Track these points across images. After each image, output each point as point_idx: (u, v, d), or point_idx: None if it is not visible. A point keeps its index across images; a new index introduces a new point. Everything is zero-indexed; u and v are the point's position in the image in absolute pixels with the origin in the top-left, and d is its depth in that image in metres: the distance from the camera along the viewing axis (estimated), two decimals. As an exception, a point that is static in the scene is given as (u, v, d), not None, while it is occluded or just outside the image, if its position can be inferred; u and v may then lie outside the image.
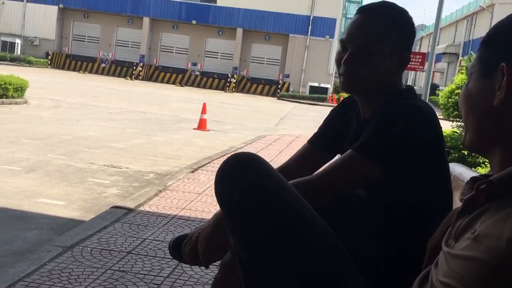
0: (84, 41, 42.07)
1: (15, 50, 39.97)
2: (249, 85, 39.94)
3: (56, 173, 6.59)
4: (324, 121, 2.08)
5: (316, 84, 36.48)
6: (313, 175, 1.74)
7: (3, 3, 41.39)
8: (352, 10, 54.02)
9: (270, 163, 1.57)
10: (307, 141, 2.08)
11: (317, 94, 35.14)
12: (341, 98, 2.27)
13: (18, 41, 40.61)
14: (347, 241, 1.55)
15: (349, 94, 1.95)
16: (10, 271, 3.03)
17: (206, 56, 41.12)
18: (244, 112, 21.77)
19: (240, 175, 1.50)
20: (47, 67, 39.03)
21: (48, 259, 3.26)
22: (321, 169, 1.80)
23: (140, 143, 10.14)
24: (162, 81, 39.94)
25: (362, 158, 1.64)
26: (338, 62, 1.82)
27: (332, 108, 2.15)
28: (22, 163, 6.99)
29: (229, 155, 1.65)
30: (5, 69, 26.13)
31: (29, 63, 37.47)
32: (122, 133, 11.52)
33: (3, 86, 14.30)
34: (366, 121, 1.80)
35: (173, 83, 39.49)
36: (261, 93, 39.34)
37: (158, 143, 10.41)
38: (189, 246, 1.72)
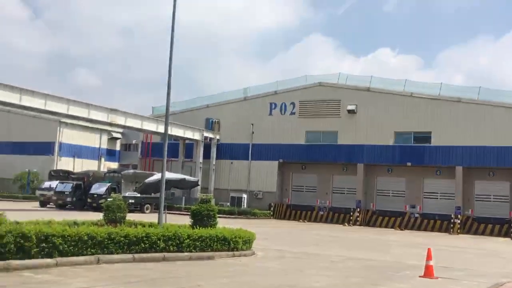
0: (303, 191, 44.30)
1: (242, 204, 43.70)
2: (476, 225, 36.97)
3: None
4: None
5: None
6: None
7: (232, 163, 46.45)
8: None
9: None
10: None
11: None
12: None
13: (244, 195, 44.53)
14: None
15: None
16: None
17: (424, 198, 39.76)
18: (474, 256, 19.89)
19: None
20: (270, 218, 41.51)
21: None
22: None
23: (365, 294, 9.74)
24: (380, 226, 39.28)
25: None
26: None
27: None
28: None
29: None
30: (234, 222, 28.39)
31: (254, 215, 40.38)
32: (345, 282, 11.27)
33: (234, 240, 15.36)
34: None
35: (392, 227, 38.51)
36: (491, 233, 35.95)
37: (384, 294, 9.88)
38: None
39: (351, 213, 39.95)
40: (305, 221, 40.87)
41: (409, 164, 39.84)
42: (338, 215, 41.04)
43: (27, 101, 30.83)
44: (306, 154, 43.63)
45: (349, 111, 41.90)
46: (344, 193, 42.64)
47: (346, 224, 39.26)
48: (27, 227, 10.81)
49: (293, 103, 44.47)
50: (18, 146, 53.95)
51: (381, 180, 41.64)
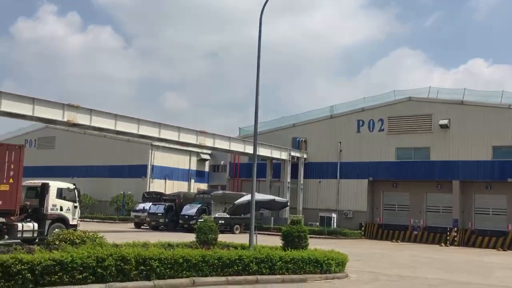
0: (395, 210, 42.88)
1: (332, 224, 42.94)
2: None
3: None
4: None
5: None
6: None
7: (320, 182, 45.97)
8: None
9: None
10: None
11: None
12: None
13: (333, 215, 43.78)
14: None
15: None
16: None
17: (529, 215, 37.13)
18: None
19: None
20: (361, 238, 40.44)
21: None
22: None
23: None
24: (480, 246, 36.99)
25: None
26: None
27: None
28: None
29: None
30: (324, 243, 27.94)
31: (344, 235, 39.51)
32: (450, 309, 10.59)
33: (326, 262, 15.04)
34: None
35: (493, 247, 36.14)
36: None
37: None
38: None
39: (448, 233, 37.97)
40: (399, 241, 39.40)
41: (510, 180, 37.43)
42: (434, 235, 39.19)
43: (122, 126, 32.30)
44: (396, 172, 42.26)
45: (442, 126, 40.22)
46: (439, 211, 40.75)
47: (442, 244, 37.38)
48: (126, 250, 11.17)
49: (381, 120, 43.45)
50: (113, 169, 56.58)
51: (480, 197, 39.36)
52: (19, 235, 20.20)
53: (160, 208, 40.43)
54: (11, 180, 19.13)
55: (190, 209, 38.93)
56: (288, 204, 41.09)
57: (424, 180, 40.99)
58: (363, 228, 41.77)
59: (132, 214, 44.83)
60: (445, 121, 40.05)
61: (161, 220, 39.94)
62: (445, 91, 42.16)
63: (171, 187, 55.10)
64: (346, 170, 44.65)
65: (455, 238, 37.68)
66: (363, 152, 43.88)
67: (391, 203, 43.20)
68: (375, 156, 43.24)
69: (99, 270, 10.29)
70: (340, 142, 45.16)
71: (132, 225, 42.76)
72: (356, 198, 43.87)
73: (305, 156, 46.73)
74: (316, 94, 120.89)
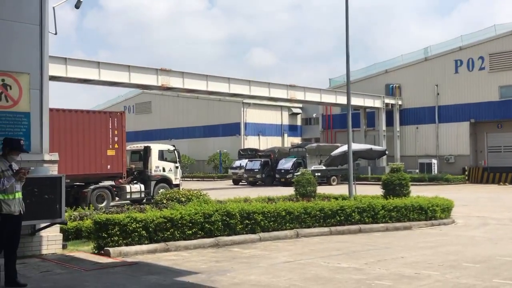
0: (500, 152, 40.67)
1: (432, 170, 41.58)
2: None
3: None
4: None
5: None
6: None
7: (417, 128, 44.47)
8: None
9: None
10: None
11: None
12: None
13: (434, 161, 42.32)
14: None
15: None
16: None
17: None
18: None
19: None
20: (465, 183, 38.89)
21: None
22: None
23: None
24: None
25: None
26: None
27: None
28: (471, 291, 6.62)
29: None
30: (426, 189, 27.21)
31: (447, 181, 38.13)
32: None
33: (431, 208, 14.63)
34: None
35: None
36: None
37: None
38: None
39: (561, 173, 35.56)
40: (506, 184, 37.50)
41: None
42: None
43: (213, 86, 32.92)
44: (501, 111, 39.78)
45: (550, 59, 37.21)
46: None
47: (556, 185, 35.15)
48: (231, 205, 11.50)
49: (481, 58, 40.81)
50: (208, 129, 58.16)
51: None
52: (128, 196, 21.42)
53: (256, 164, 41.13)
54: (116, 145, 20.19)
55: (286, 163, 39.26)
56: (387, 152, 40.29)
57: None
58: (466, 173, 40.15)
59: (230, 171, 46.02)
60: (554, 53, 36.99)
61: (258, 176, 40.66)
62: (553, 19, 38.76)
63: (264, 143, 55.80)
64: (445, 113, 42.81)
65: None
66: (463, 94, 41.72)
67: (496, 144, 40.99)
68: (476, 97, 40.98)
69: (206, 225, 10.68)
70: (436, 85, 43.19)
71: (230, 182, 43.96)
72: (457, 142, 42.12)
73: (399, 102, 45.27)
74: (407, 38, 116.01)
